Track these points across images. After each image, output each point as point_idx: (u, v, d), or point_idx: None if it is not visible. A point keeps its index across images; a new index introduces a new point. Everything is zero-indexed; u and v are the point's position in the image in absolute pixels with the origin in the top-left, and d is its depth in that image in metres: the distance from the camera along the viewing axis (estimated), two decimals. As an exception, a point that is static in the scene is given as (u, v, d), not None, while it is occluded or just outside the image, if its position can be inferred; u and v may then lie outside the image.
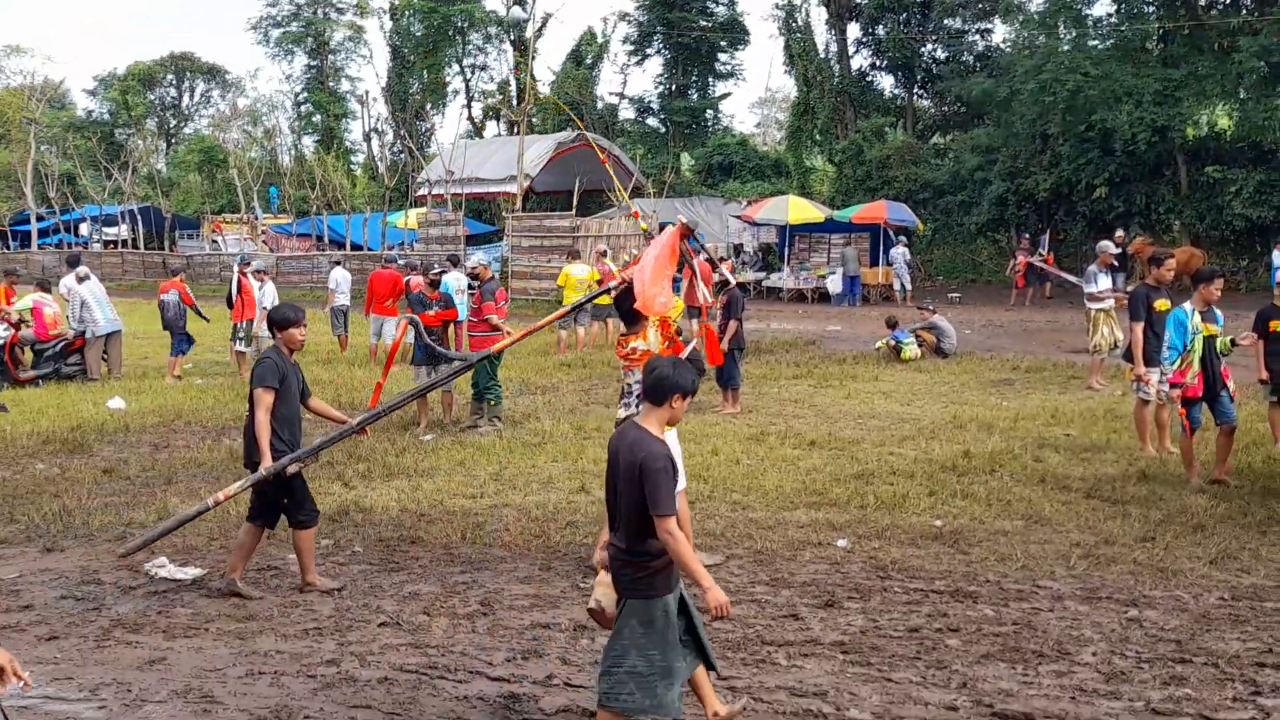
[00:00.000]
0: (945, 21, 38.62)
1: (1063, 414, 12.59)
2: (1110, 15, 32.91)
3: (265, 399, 6.76)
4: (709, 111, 46.40)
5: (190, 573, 7.33)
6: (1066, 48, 31.34)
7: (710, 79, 46.15)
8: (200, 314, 17.81)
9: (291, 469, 6.80)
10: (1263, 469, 9.53)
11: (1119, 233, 27.62)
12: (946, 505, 8.78)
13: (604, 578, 4.86)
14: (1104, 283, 14.64)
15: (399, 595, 6.86)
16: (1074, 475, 9.67)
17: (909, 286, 29.22)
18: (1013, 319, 24.18)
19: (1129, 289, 13.50)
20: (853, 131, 38.09)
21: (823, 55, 40.31)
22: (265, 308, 15.71)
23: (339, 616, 6.49)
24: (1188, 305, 9.06)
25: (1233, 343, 9.29)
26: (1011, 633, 5.94)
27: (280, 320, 7.06)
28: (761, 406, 13.79)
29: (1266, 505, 8.44)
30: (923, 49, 38.96)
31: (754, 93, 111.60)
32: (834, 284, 29.40)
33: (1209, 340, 8.94)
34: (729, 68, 46.38)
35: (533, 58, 39.85)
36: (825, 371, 16.73)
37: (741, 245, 33.64)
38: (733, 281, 11.31)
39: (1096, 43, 31.78)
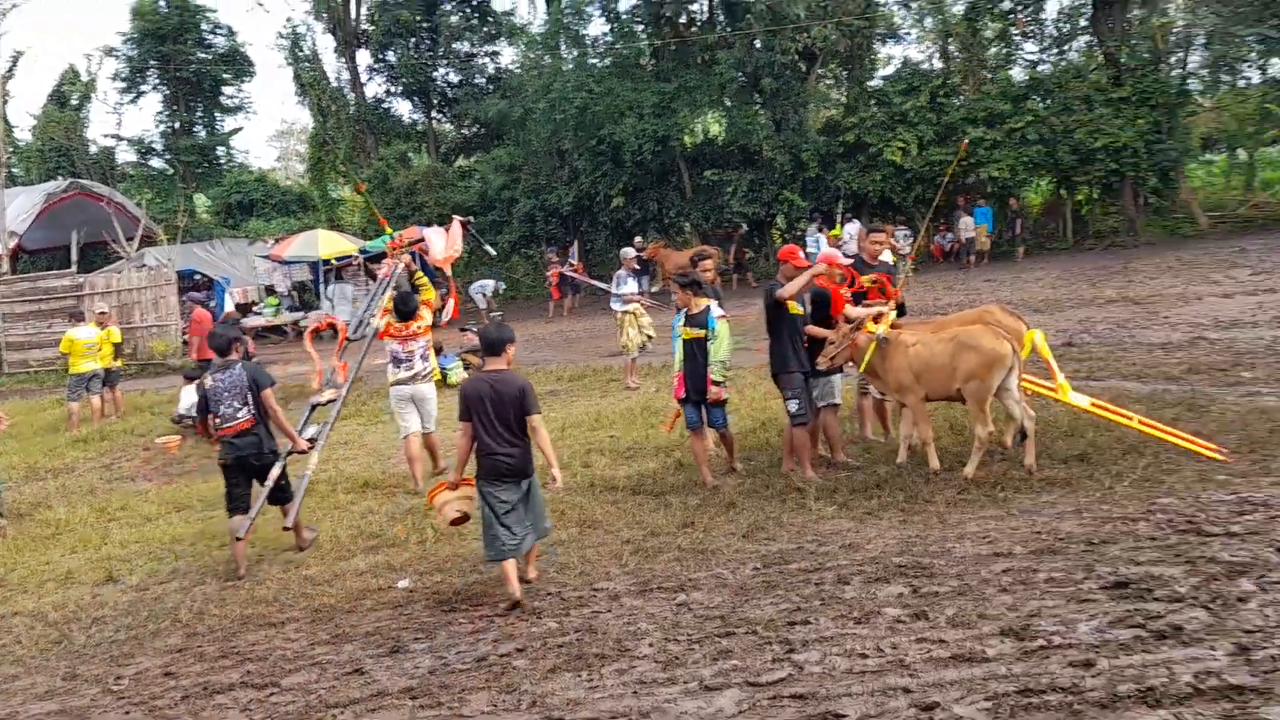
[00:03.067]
0: (454, 45, 39.34)
1: (605, 417, 13.16)
2: (605, 35, 35.12)
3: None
4: (220, 148, 44.06)
5: None
6: (570, 67, 33.08)
7: (217, 114, 43.81)
8: None
9: None
10: (778, 442, 10.48)
11: (638, 239, 29.62)
12: (504, 524, 8.81)
13: (459, 492, 7.51)
14: (630, 285, 15.49)
15: (-118, 747, 5.77)
16: (620, 475, 10.10)
17: (483, 308, 29.34)
18: (553, 331, 25.05)
19: (653, 291, 14.41)
20: (376, 159, 37.81)
21: (335, 83, 39.61)
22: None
23: None
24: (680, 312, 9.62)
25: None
26: (575, 640, 6.04)
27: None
28: (307, 455, 13.18)
29: (784, 476, 9.29)
30: (435, 73, 39.45)
31: (269, 126, 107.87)
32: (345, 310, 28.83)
33: (690, 344, 9.42)
34: (236, 101, 44.30)
35: (5, 101, 35.71)
36: (375, 408, 16.35)
37: (273, 286, 32.23)
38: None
39: (596, 61, 33.80)
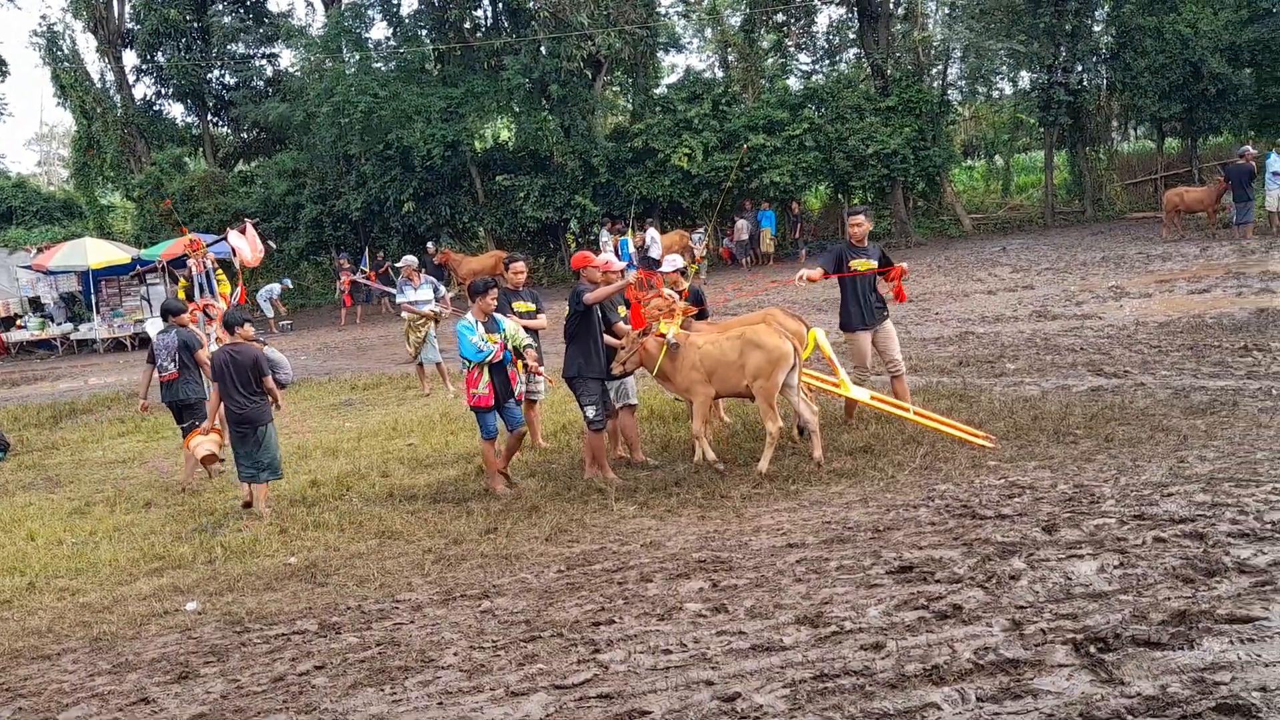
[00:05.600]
0: (229, 47, 37.77)
1: (403, 425, 12.94)
2: (389, 39, 34.48)
3: None
4: (-27, 153, 40.93)
5: None
6: (352, 70, 32.32)
7: (-31, 116, 40.70)
8: None
9: None
10: (578, 445, 10.55)
11: (430, 244, 29.23)
12: (299, 540, 8.57)
13: (210, 437, 10.06)
14: (411, 294, 15.16)
15: None
16: (419, 483, 9.96)
17: (270, 315, 28.34)
18: (346, 339, 24.45)
19: (449, 296, 14.26)
20: (148, 164, 35.91)
21: (99, 85, 37.35)
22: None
23: None
24: (470, 317, 9.39)
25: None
26: (376, 654, 5.89)
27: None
28: (83, 475, 12.45)
29: (584, 479, 9.37)
30: (210, 75, 37.74)
31: (28, 128, 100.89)
32: (153, 327, 27.53)
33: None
34: (-11, 102, 41.25)
35: None
36: (157, 423, 15.55)
37: (39, 298, 30.19)
38: None
39: (380, 65, 33.16)
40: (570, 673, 5.25)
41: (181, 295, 13.70)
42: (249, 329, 9.89)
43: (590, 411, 9.24)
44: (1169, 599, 5.06)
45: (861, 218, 10.33)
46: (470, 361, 9.29)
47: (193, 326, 11.96)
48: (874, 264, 10.15)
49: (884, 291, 10.51)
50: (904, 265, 10.48)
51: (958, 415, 9.77)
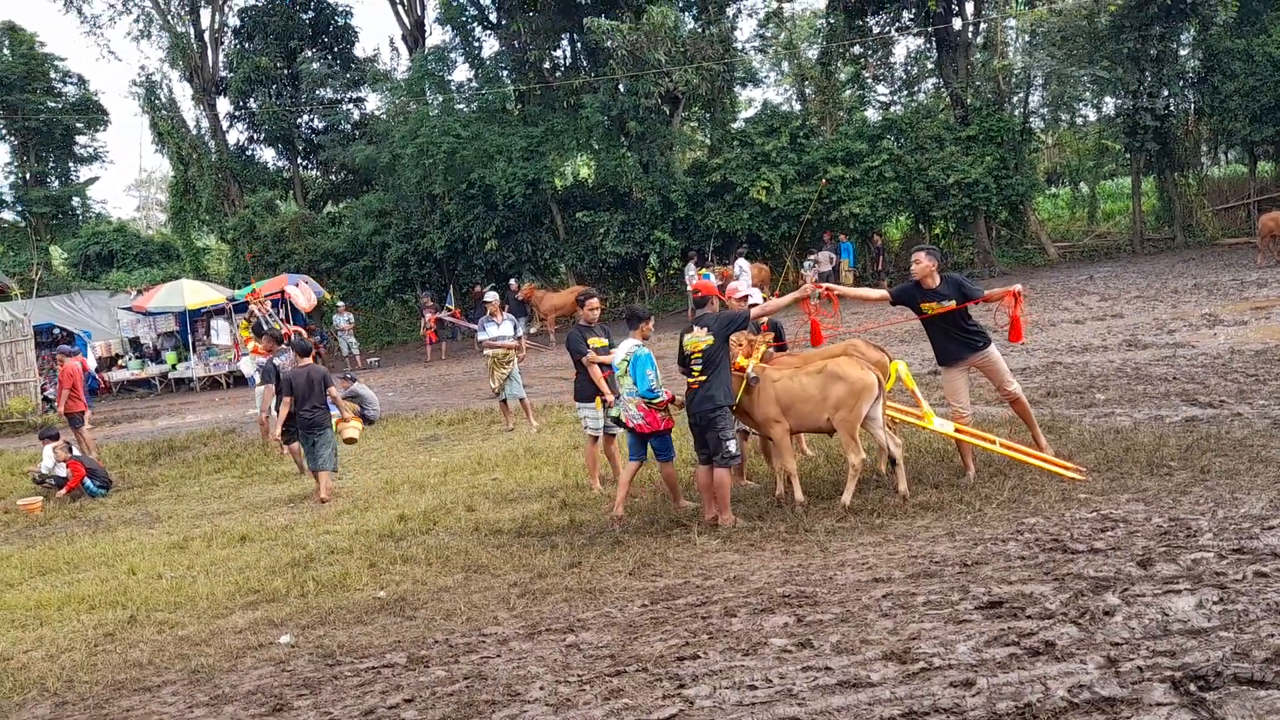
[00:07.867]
0: (318, 92, 38.86)
1: (488, 460, 13.09)
2: (470, 80, 35.17)
3: None
4: (75, 198, 42.52)
5: None
6: (436, 112, 33.02)
7: (71, 163, 42.30)
8: None
9: None
10: (661, 478, 10.56)
11: (513, 281, 29.60)
12: (388, 574, 8.70)
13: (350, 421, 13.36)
14: (493, 330, 15.37)
15: None
16: (504, 518, 10.06)
17: (356, 351, 28.95)
18: (431, 375, 24.80)
19: (531, 332, 14.43)
20: (241, 207, 37.02)
21: (195, 131, 38.69)
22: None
23: None
24: (645, 348, 9.26)
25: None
26: (464, 688, 5.96)
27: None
28: (180, 510, 12.80)
29: (668, 511, 9.37)
30: (299, 120, 38.87)
31: (128, 174, 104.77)
32: (248, 366, 28.26)
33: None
34: (91, 150, 42.88)
35: None
36: (250, 459, 15.97)
37: (138, 339, 31.17)
38: None
39: (462, 106, 33.83)
40: (655, 707, 5.25)
41: (245, 334, 16.13)
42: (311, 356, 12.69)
43: (733, 446, 8.81)
44: (1272, 636, 4.91)
45: (921, 255, 9.36)
46: (641, 396, 9.06)
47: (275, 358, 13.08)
48: (945, 306, 9.30)
49: (1002, 322, 9.69)
50: (1016, 288, 9.42)
51: (1046, 447, 9.58)
